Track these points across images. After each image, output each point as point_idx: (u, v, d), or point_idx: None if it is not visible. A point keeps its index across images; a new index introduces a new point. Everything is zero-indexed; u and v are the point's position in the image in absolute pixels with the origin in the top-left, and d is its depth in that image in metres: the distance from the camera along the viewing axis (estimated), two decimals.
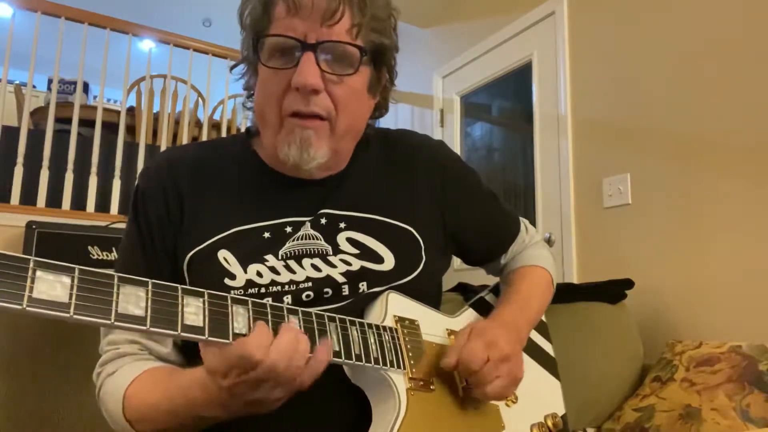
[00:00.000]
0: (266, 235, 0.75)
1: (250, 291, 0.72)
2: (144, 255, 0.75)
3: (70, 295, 0.46)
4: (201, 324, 0.53)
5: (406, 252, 0.80)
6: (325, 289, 0.74)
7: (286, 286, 0.73)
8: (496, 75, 2.78)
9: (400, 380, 0.68)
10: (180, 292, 0.53)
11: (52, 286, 0.45)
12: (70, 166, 2.84)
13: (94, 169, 2.90)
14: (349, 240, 0.78)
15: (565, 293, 1.55)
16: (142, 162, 3.03)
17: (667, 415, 1.34)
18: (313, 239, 0.76)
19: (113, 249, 2.40)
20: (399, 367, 0.68)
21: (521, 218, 1.01)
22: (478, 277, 1.25)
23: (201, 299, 0.54)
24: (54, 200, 2.80)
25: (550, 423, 0.84)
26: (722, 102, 1.72)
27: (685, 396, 1.35)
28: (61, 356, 0.92)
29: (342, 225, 0.78)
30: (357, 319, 0.67)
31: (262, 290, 0.72)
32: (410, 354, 0.71)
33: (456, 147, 3.01)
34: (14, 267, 0.44)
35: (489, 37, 2.77)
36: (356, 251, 0.77)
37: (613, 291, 1.70)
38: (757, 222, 1.60)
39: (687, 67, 1.83)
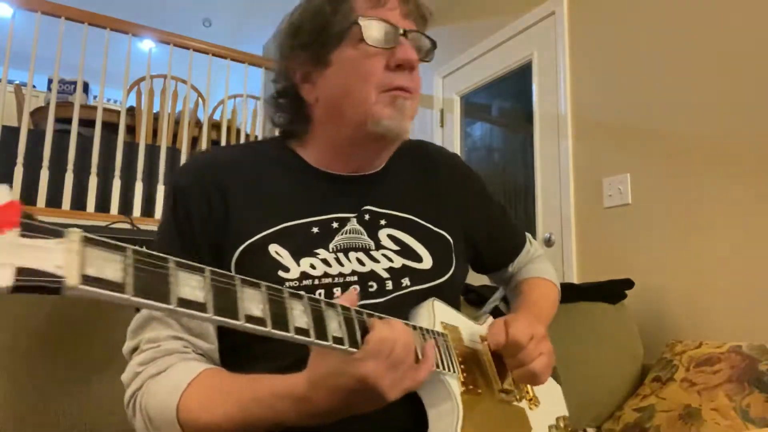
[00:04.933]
0: (315, 230, 0.78)
1: (304, 283, 0.73)
2: (183, 253, 0.74)
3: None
4: (265, 318, 0.50)
5: (440, 254, 0.84)
6: (370, 283, 0.77)
7: (336, 278, 0.75)
8: (496, 75, 2.78)
9: (455, 384, 0.70)
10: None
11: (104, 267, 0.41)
12: (70, 166, 2.84)
13: (94, 169, 2.90)
14: (390, 237, 0.81)
15: (565, 293, 1.54)
16: (142, 162, 3.03)
17: (667, 416, 1.34)
18: (358, 234, 0.80)
19: None
20: (453, 371, 0.70)
21: (526, 232, 1.07)
22: (476, 278, 1.25)
23: (258, 291, 0.50)
24: (54, 200, 2.80)
25: (562, 425, 0.86)
26: (722, 102, 1.72)
27: (685, 396, 1.35)
28: (61, 356, 0.92)
29: (383, 222, 0.82)
30: (418, 324, 0.69)
31: (316, 282, 0.74)
32: (459, 359, 0.73)
33: (456, 147, 3.01)
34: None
35: (489, 37, 2.77)
36: (397, 248, 0.81)
37: (613, 291, 1.71)
38: (757, 222, 1.60)
39: (687, 67, 1.83)
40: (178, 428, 0.64)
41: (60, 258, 0.38)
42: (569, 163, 2.25)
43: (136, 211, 2.98)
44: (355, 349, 0.55)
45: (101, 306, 0.95)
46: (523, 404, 0.80)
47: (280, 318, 0.49)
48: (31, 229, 0.37)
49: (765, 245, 1.58)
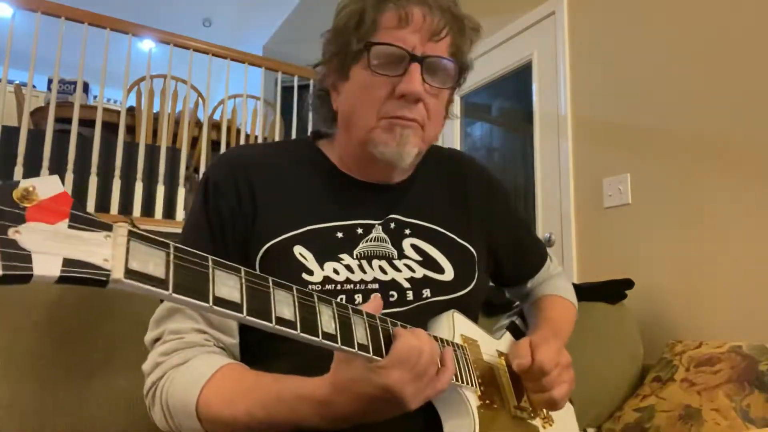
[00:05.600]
0: (339, 234, 0.78)
1: (327, 287, 0.73)
2: (214, 247, 0.75)
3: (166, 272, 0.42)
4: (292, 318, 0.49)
5: (463, 266, 0.83)
6: (391, 292, 0.76)
7: (358, 285, 0.75)
8: (496, 75, 2.78)
9: (472, 398, 0.69)
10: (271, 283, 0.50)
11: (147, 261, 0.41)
12: (70, 166, 2.84)
13: (94, 169, 2.90)
14: (414, 247, 0.81)
15: None
16: (142, 162, 3.03)
17: (667, 416, 1.34)
18: (382, 242, 0.79)
19: None
20: (471, 384, 0.70)
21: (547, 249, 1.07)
22: None
23: (291, 294, 0.50)
24: None
25: None
26: (722, 102, 1.71)
27: (685, 396, 1.35)
28: (61, 355, 0.92)
29: (407, 231, 0.82)
30: (439, 336, 0.68)
31: (338, 287, 0.74)
32: (477, 372, 0.73)
33: (456, 147, 3.01)
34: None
35: (489, 37, 2.77)
36: (419, 258, 0.80)
37: (613, 291, 1.70)
38: (758, 222, 1.60)
39: (687, 67, 1.83)
40: (196, 420, 0.64)
41: (107, 251, 0.38)
42: (569, 163, 2.25)
43: (136, 211, 2.97)
44: (378, 357, 0.55)
45: (99, 306, 0.95)
46: (537, 422, 0.80)
47: (309, 322, 0.50)
48: (80, 221, 0.38)
49: (765, 245, 1.57)
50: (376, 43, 0.74)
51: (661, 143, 1.89)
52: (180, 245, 0.43)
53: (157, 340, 0.72)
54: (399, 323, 0.60)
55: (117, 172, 2.96)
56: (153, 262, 0.40)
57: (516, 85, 2.69)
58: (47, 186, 0.37)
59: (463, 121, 3.05)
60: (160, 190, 3.06)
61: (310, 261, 0.74)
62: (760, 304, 1.56)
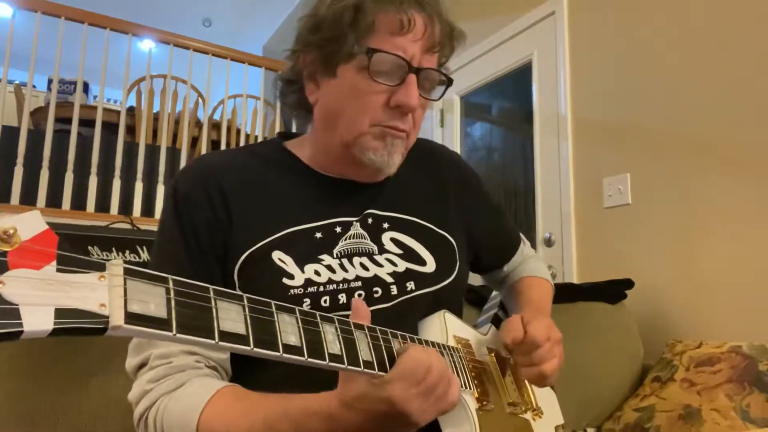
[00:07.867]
0: (318, 235, 0.76)
1: (309, 290, 0.72)
2: (191, 259, 0.72)
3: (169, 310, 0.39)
4: (298, 344, 0.48)
5: (444, 256, 0.83)
6: (375, 288, 0.76)
7: (341, 285, 0.74)
8: (496, 75, 2.78)
9: (471, 401, 0.69)
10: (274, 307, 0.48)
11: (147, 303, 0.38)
12: (70, 166, 2.84)
13: (94, 169, 2.90)
14: (393, 240, 0.80)
15: (565, 293, 1.55)
16: (142, 162, 3.03)
17: (667, 416, 1.34)
18: (361, 238, 0.78)
19: (113, 249, 2.40)
20: (468, 387, 0.69)
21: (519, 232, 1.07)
22: (477, 278, 1.25)
23: (294, 316, 0.49)
24: (54, 200, 2.80)
25: None
26: (722, 102, 1.71)
27: (685, 396, 1.35)
28: (61, 354, 0.92)
29: (385, 225, 0.81)
30: (432, 340, 0.68)
31: (320, 288, 0.73)
32: (472, 373, 0.72)
33: (456, 147, 3.01)
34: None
35: (489, 37, 2.77)
36: (400, 251, 0.80)
37: (613, 291, 1.71)
38: (758, 222, 1.60)
39: (687, 67, 1.83)
40: None
41: (103, 295, 0.35)
42: (569, 163, 2.25)
43: (136, 211, 2.98)
44: (383, 373, 0.54)
45: None
46: (528, 416, 0.80)
47: (315, 344, 0.49)
48: (69, 262, 0.34)
49: (765, 245, 1.57)
50: (380, 50, 0.71)
51: (661, 143, 1.89)
52: (177, 278, 0.41)
53: (141, 366, 0.69)
54: (399, 334, 0.60)
55: (117, 172, 2.96)
56: (153, 301, 0.37)
57: (516, 85, 2.69)
58: (28, 224, 0.33)
59: (463, 121, 3.05)
60: (160, 190, 3.06)
61: (290, 265, 0.73)
62: (760, 304, 1.56)
